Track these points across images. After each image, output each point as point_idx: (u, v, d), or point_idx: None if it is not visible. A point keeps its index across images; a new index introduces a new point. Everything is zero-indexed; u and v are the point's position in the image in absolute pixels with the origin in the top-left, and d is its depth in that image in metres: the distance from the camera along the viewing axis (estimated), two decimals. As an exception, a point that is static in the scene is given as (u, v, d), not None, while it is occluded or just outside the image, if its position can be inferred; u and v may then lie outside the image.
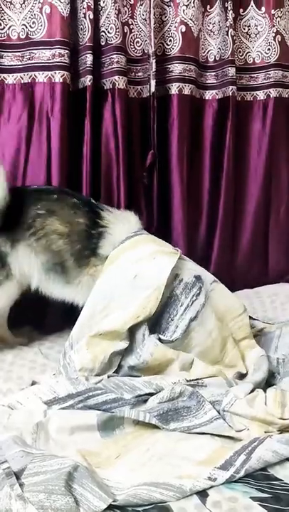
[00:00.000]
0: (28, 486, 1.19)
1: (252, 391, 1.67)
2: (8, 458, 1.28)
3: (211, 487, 1.28)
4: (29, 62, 2.22)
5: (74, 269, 1.95)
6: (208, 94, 2.62)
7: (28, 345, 2.17)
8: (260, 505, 1.22)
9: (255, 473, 1.34)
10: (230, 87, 2.56)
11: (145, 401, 1.63)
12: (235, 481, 1.31)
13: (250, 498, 1.24)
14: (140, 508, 1.18)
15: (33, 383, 1.78)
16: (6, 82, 2.23)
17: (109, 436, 1.47)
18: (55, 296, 2.03)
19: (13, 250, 1.93)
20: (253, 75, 2.72)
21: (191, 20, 2.44)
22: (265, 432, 1.49)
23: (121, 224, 2.00)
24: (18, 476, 1.23)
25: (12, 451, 1.31)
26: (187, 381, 1.74)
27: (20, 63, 2.23)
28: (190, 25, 2.44)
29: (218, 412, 1.56)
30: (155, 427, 1.51)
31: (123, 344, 1.78)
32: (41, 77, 2.22)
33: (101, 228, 1.97)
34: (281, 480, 1.33)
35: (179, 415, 1.55)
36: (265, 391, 1.67)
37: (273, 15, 2.64)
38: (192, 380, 1.73)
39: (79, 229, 1.95)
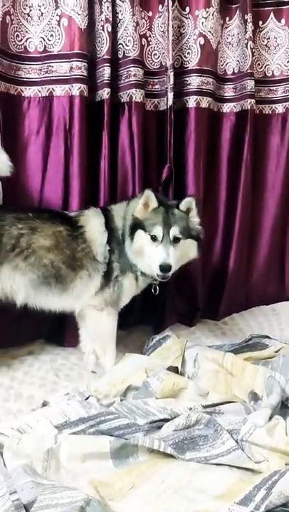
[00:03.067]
0: (37, 520, 1.14)
1: (270, 417, 1.60)
2: (17, 488, 1.23)
3: (230, 525, 1.21)
4: (47, 75, 2.20)
5: (69, 274, 1.98)
6: (226, 107, 2.57)
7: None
8: None
9: (276, 509, 1.27)
10: (249, 100, 2.50)
11: (159, 427, 1.57)
12: (255, 519, 1.24)
13: (271, 538, 1.18)
14: None
15: (44, 404, 1.73)
16: (23, 94, 2.21)
17: (123, 465, 1.42)
18: (52, 308, 2.03)
19: None
20: (272, 88, 2.66)
21: (210, 32, 2.40)
22: (286, 464, 1.42)
23: (94, 220, 2.05)
24: (27, 508, 1.18)
25: (22, 481, 1.26)
26: (203, 407, 1.68)
27: (37, 76, 2.20)
28: (209, 37, 2.40)
29: (236, 442, 1.50)
30: (170, 455, 1.45)
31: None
32: (59, 90, 2.19)
33: (80, 228, 2.01)
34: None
35: (195, 444, 1.49)
36: (284, 418, 1.61)
37: (293, 27, 2.59)
38: (208, 405, 1.66)
39: (62, 235, 1.99)
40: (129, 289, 2.06)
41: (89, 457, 1.41)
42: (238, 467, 1.44)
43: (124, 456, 1.44)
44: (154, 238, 1.91)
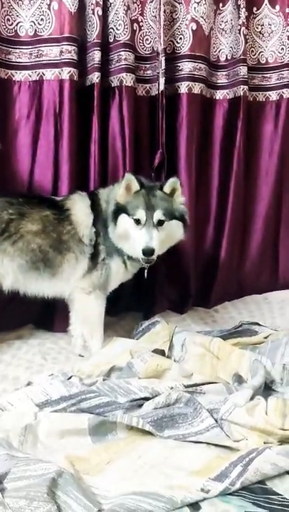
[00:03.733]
0: (9, 492, 1.14)
1: (252, 398, 1.59)
2: (-9, 461, 1.24)
3: (204, 499, 1.21)
4: (37, 59, 2.20)
5: (56, 258, 1.99)
6: (219, 94, 2.56)
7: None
8: (254, 519, 1.15)
9: (251, 486, 1.27)
10: (242, 86, 2.49)
11: (140, 406, 1.57)
12: (230, 494, 1.24)
13: (245, 512, 1.17)
14: (126, 519, 1.11)
15: (28, 384, 1.74)
16: (14, 78, 2.21)
17: (101, 442, 1.42)
18: (43, 293, 2.05)
19: None
20: (265, 75, 2.65)
21: (203, 18, 2.38)
22: (265, 443, 1.42)
23: (80, 203, 2.06)
24: (0, 480, 1.18)
25: (-4, 454, 1.26)
26: (185, 386, 1.68)
27: (28, 60, 2.20)
28: (201, 23, 2.39)
29: (216, 421, 1.50)
30: (149, 433, 1.45)
31: None
32: (49, 74, 2.19)
33: (66, 212, 2.03)
34: (280, 495, 1.26)
35: (174, 422, 1.48)
36: (266, 399, 1.60)
37: (288, 14, 2.57)
38: (190, 385, 1.66)
39: (49, 219, 2.00)
40: (116, 272, 2.06)
41: (67, 433, 1.42)
42: (216, 445, 1.43)
43: (103, 433, 1.44)
44: (137, 221, 1.91)
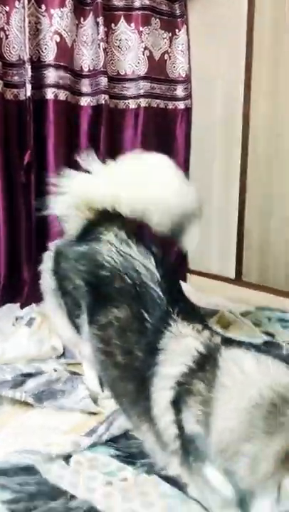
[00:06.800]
0: None
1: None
2: None
3: (76, 451, 1.46)
4: None
5: None
6: (84, 101, 2.80)
7: None
8: (116, 460, 1.43)
9: (116, 438, 1.55)
10: (103, 95, 2.76)
11: (24, 382, 1.78)
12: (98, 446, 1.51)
13: (110, 455, 1.46)
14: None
15: None
16: None
17: (-13, 416, 1.60)
18: None
19: None
20: (125, 85, 2.95)
21: (65, 30, 2.60)
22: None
23: None
24: None
25: None
26: (67, 365, 1.93)
27: None
28: (64, 35, 2.60)
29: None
30: (31, 406, 1.66)
31: None
32: None
33: None
34: (138, 440, 1.56)
35: (53, 396, 1.73)
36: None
37: (142, 31, 2.89)
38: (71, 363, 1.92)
39: None
40: None
41: None
42: (88, 413, 1.70)
43: (-11, 407, 1.62)
44: None
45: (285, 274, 2.99)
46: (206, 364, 1.19)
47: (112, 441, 1.54)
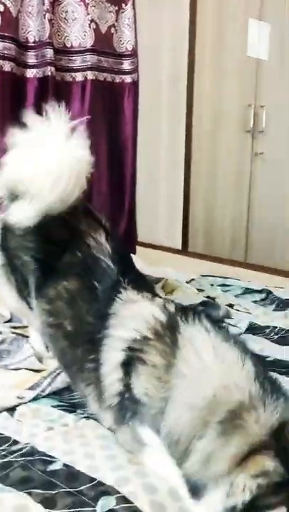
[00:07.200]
0: None
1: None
2: None
3: (20, 404, 1.55)
4: None
5: None
6: (30, 73, 2.81)
7: None
8: (58, 409, 1.53)
9: (60, 390, 1.65)
10: (49, 67, 2.78)
11: None
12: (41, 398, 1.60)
13: (52, 406, 1.56)
14: None
15: None
16: None
17: None
18: None
19: None
20: (71, 58, 2.97)
21: (10, 0, 2.59)
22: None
23: None
24: None
25: None
26: (12, 328, 2.00)
27: None
28: (8, 5, 2.59)
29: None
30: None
31: None
32: None
33: None
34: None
35: (-1, 356, 1.80)
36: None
37: (88, 3, 2.91)
38: (17, 327, 1.99)
39: None
40: None
41: None
42: (33, 369, 1.79)
43: None
44: None
45: (228, 244, 3.15)
46: (164, 336, 1.20)
47: (56, 393, 1.64)
